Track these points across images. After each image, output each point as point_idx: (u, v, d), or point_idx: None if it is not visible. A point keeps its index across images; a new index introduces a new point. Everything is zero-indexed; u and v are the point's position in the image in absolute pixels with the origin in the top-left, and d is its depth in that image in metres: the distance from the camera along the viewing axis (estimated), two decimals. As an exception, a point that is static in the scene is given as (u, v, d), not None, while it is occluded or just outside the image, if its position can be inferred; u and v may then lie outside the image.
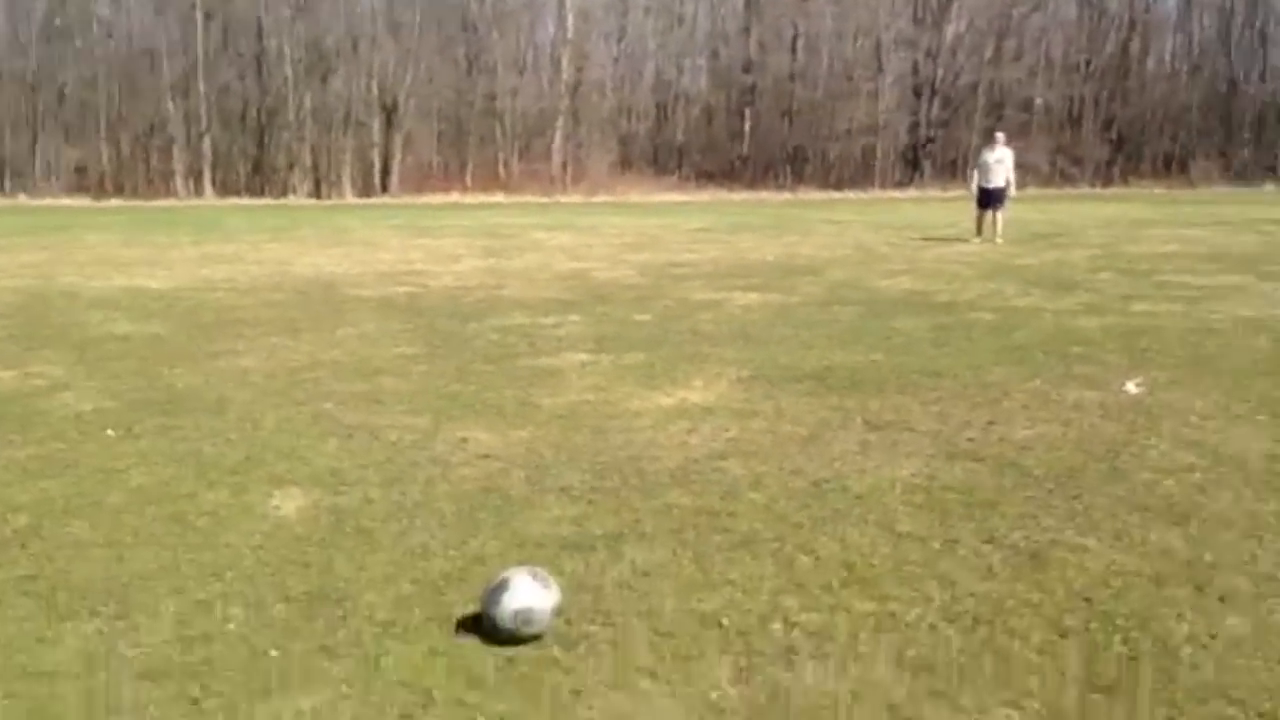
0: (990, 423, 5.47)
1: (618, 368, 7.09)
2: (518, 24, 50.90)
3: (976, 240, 17.49)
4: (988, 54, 51.83)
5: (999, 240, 17.24)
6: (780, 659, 2.90)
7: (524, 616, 2.97)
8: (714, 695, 2.71)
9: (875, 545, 3.74)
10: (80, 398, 6.10)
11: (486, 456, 4.92)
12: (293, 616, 3.16)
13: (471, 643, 2.99)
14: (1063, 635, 3.02)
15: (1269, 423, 5.44)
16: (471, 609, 3.14)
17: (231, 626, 3.08)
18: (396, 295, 11.05)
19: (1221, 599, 3.27)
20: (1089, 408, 5.76)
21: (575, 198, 42.86)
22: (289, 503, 4.21)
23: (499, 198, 42.39)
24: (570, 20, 50.21)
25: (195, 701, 2.65)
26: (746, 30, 53.20)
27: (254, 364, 7.22)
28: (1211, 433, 5.23)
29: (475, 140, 47.96)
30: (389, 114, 45.63)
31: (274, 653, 2.92)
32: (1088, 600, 3.25)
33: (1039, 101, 53.08)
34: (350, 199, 42.63)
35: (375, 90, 45.38)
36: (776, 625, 3.11)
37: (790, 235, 20.12)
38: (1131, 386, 6.29)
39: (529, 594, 2.99)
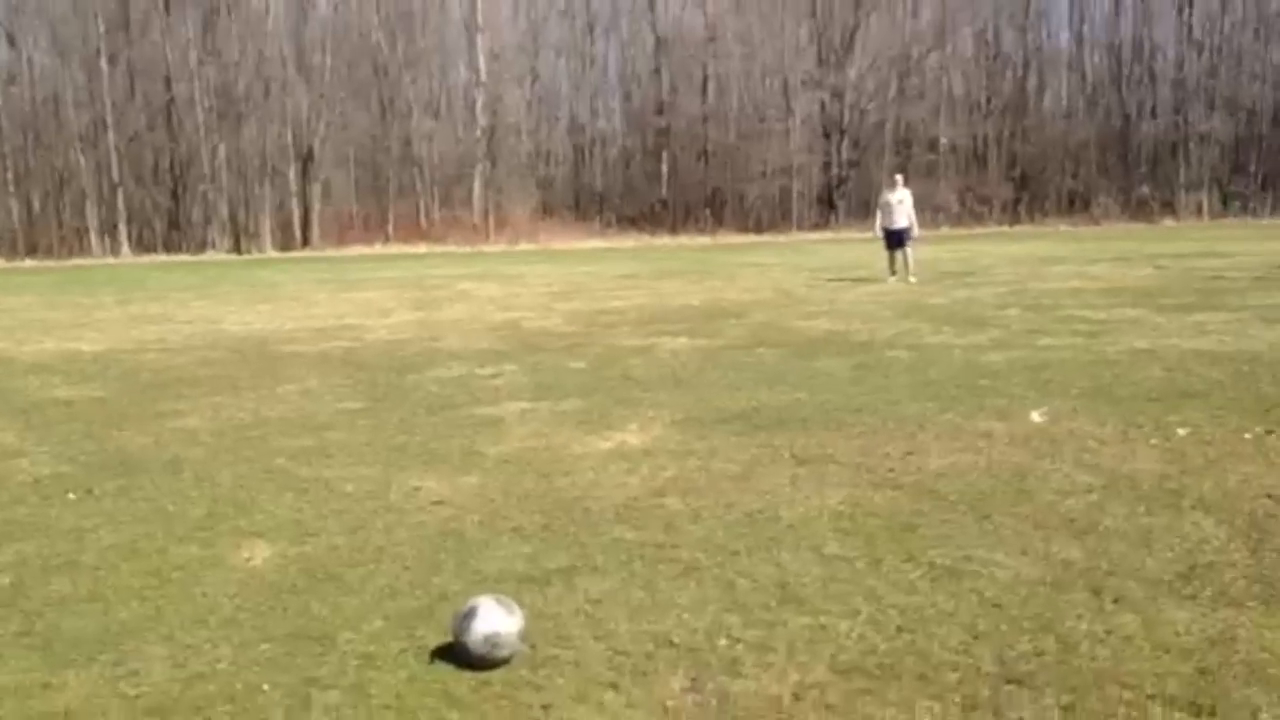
0: (908, 453, 5.90)
1: (556, 414, 7.40)
2: (430, 67, 51.24)
3: (890, 280, 18.18)
4: (891, 93, 53.61)
5: (911, 279, 17.94)
6: (727, 669, 3.24)
7: (493, 640, 3.26)
8: (670, 703, 3.04)
9: (807, 567, 4.11)
10: (36, 463, 6.25)
11: (440, 503, 5.20)
12: (278, 655, 3.41)
13: (447, 669, 3.28)
14: (976, 638, 3.40)
15: (1160, 445, 5.94)
16: (443, 640, 3.43)
17: (222, 666, 3.33)
18: (333, 350, 11.25)
19: (1115, 600, 3.69)
20: (998, 437, 6.23)
21: (499, 246, 43.20)
22: (258, 553, 4.45)
23: (422, 248, 42.57)
24: (482, 62, 50.77)
25: (200, 732, 2.91)
26: (657, 71, 54.41)
27: (200, 423, 7.40)
28: (1109, 456, 5.71)
29: (395, 188, 48.11)
30: (305, 162, 45.58)
31: (266, 687, 3.18)
32: (998, 606, 3.65)
33: (944, 140, 54.88)
34: (271, 253, 42.42)
35: (289, 137, 45.35)
36: (722, 641, 3.45)
37: (713, 280, 20.66)
38: (1036, 416, 6.78)
39: (496, 619, 3.29)
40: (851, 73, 52.27)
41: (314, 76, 45.40)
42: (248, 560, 4.37)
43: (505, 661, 3.28)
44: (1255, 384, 7.61)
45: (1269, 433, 6.08)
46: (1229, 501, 4.78)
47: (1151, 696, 2.99)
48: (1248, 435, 6.04)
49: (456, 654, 3.31)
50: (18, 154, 42.89)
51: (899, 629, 3.49)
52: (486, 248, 42.86)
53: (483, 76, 50.51)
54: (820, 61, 52.98)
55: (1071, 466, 5.49)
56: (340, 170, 47.98)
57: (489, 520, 4.88)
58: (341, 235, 44.78)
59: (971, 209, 52.29)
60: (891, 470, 5.56)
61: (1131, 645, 3.32)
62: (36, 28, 44.18)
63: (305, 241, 44.41)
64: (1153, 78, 57.57)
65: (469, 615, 3.31)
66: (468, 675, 3.22)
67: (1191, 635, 3.38)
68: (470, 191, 49.37)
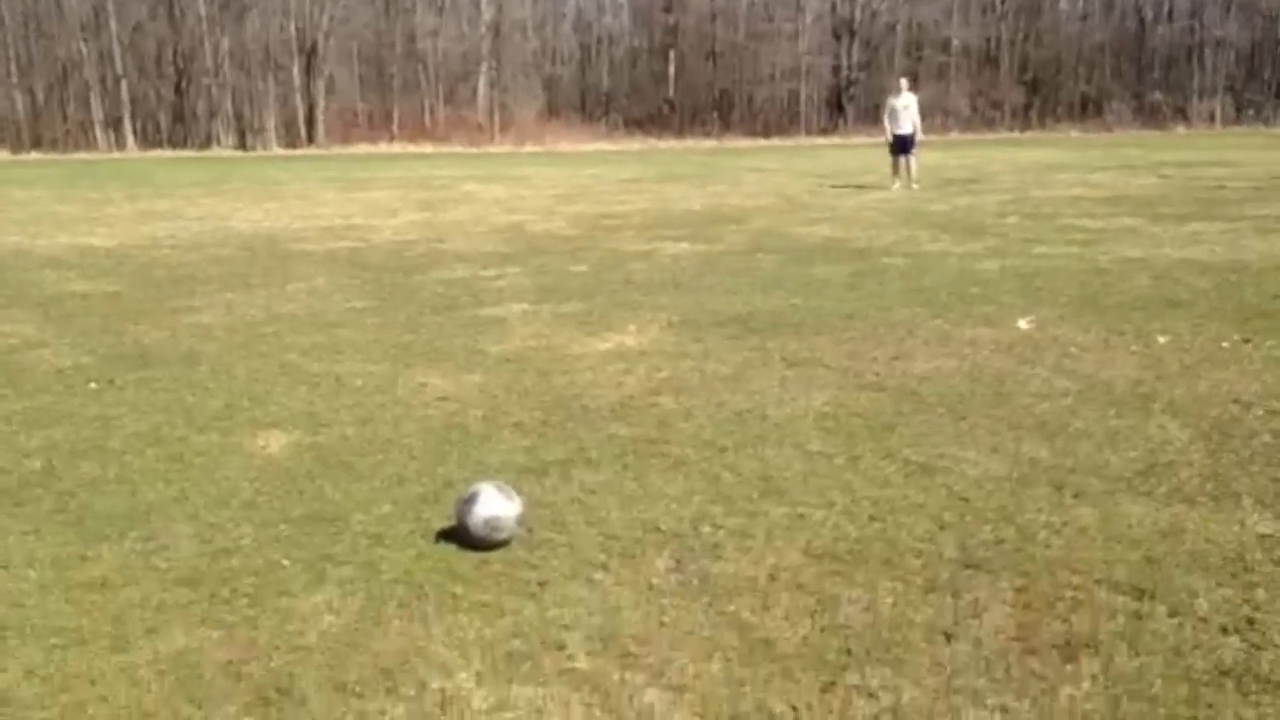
0: (895, 358, 6.13)
1: (557, 316, 7.62)
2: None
3: (894, 186, 18.21)
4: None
5: (915, 186, 17.98)
6: (709, 553, 3.51)
7: (493, 524, 3.53)
8: (654, 581, 3.31)
9: (789, 463, 4.36)
10: (57, 354, 6.51)
11: (444, 399, 5.45)
12: (295, 534, 3.69)
13: (451, 549, 3.55)
14: (942, 528, 3.66)
15: (1140, 352, 6.15)
16: (447, 524, 3.69)
17: (245, 542, 3.61)
18: (339, 250, 11.43)
19: (1076, 495, 3.94)
20: (983, 343, 6.45)
21: (504, 147, 42.97)
22: (274, 442, 4.72)
23: (427, 148, 42.36)
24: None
25: (227, 600, 3.19)
26: (666, -35, 53.39)
27: (214, 319, 7.64)
28: (1088, 362, 5.93)
29: (399, 86, 47.67)
30: (309, 57, 45.10)
31: (286, 562, 3.46)
32: (964, 500, 3.91)
33: (956, 42, 54.04)
34: (276, 149, 42.23)
35: (293, 30, 44.80)
36: (706, 528, 3.71)
37: (717, 184, 20.68)
38: (1023, 323, 6.99)
39: (496, 503, 3.55)
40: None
41: (316, -32, 44.65)
42: (264, 448, 4.64)
43: (504, 543, 3.55)
44: (1239, 294, 7.80)
45: (1246, 341, 6.29)
46: (1197, 406, 5.02)
47: (1099, 581, 3.25)
48: (1225, 344, 6.25)
49: (459, 536, 3.58)
50: (19, 44, 42.45)
51: (870, 518, 3.75)
52: (492, 148, 42.65)
53: (488, -31, 49.64)
54: (833, -42, 51.98)
55: (1050, 372, 5.72)
56: (344, 67, 47.51)
57: (491, 415, 5.13)
58: (346, 133, 44.54)
59: (983, 114, 51.76)
60: (877, 374, 5.79)
61: (1085, 536, 3.58)
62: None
63: (310, 139, 44.19)
64: (1172, -21, 56.45)
65: (471, 500, 3.57)
66: (470, 555, 3.49)
67: (1143, 527, 3.64)
68: (475, 90, 48.89)
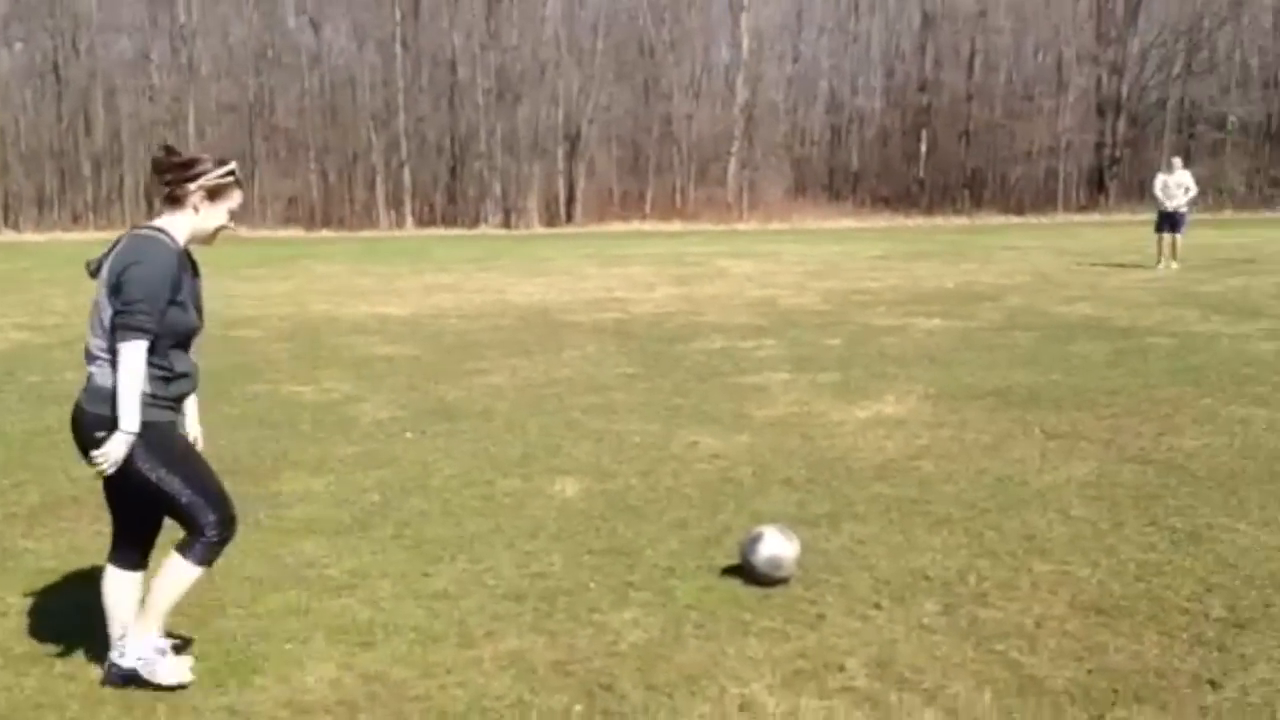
0: (1160, 434, 6.14)
1: (815, 385, 7.98)
2: (694, 47, 52.40)
3: (1160, 266, 17.57)
4: (1176, 68, 50.47)
5: (1174, 265, 17.30)
6: (975, 600, 3.76)
7: (774, 562, 3.92)
8: (925, 620, 3.59)
9: (1052, 525, 4.55)
10: (376, 408, 7.41)
11: (716, 456, 5.91)
12: (598, 562, 4.21)
13: (735, 583, 3.96)
14: (1209, 590, 3.78)
15: None
16: (730, 562, 4.11)
17: (556, 568, 4.15)
18: (605, 321, 12.23)
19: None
20: (1255, 422, 6.35)
21: (752, 225, 43.84)
22: (569, 487, 5.30)
23: (677, 225, 43.75)
24: (745, 42, 51.47)
25: (548, 614, 3.71)
26: (922, 48, 53.37)
27: (502, 380, 8.44)
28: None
29: (654, 167, 49.65)
30: (573, 141, 47.80)
31: (592, 585, 3.97)
32: (1233, 566, 3.99)
33: (1233, 119, 51.15)
34: (538, 228, 44.74)
35: (560, 117, 47.66)
36: (971, 578, 3.97)
37: (968, 262, 20.52)
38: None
39: (778, 544, 3.93)
40: (1134, 46, 49.60)
41: (584, 59, 47.50)
42: (561, 492, 5.23)
43: (784, 581, 3.92)
44: None
45: None
46: None
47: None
48: None
49: (743, 572, 3.98)
50: (316, 134, 47.25)
51: (1135, 579, 3.90)
52: (740, 226, 43.61)
53: (745, 55, 51.23)
54: (1099, 35, 50.52)
55: (1331, 453, 5.60)
56: (603, 150, 49.97)
57: (760, 472, 5.54)
58: (602, 212, 46.72)
59: (1261, 191, 48.66)
60: (1142, 448, 5.84)
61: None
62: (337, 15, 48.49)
63: (569, 218, 46.61)
64: None
65: (755, 540, 3.97)
66: (753, 589, 3.89)
67: None
68: (725, 170, 50.27)
